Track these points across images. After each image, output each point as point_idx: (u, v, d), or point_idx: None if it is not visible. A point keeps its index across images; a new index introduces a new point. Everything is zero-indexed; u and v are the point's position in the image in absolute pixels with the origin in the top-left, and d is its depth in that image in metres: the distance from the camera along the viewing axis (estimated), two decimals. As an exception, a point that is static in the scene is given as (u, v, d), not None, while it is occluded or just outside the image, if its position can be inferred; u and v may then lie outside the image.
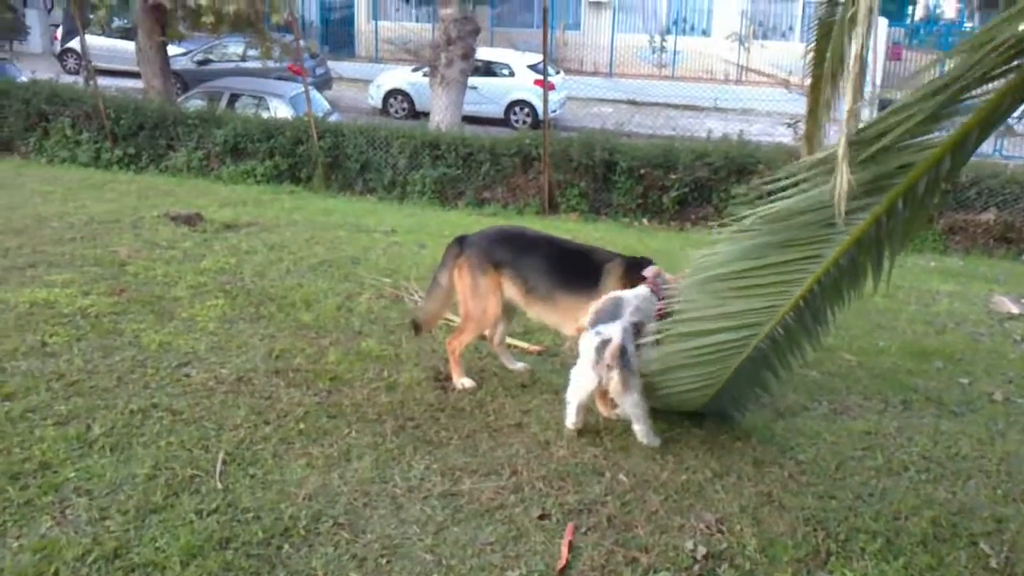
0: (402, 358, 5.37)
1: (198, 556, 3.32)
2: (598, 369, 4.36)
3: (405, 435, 4.41)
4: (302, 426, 4.42)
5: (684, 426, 4.74)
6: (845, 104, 2.89)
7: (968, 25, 33.75)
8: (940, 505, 4.14)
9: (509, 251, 5.14)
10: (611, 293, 4.67)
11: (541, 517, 3.78)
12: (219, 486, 3.82)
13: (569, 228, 11.80)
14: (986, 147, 21.20)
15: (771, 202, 3.63)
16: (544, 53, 13.99)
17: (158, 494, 3.71)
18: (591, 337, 4.41)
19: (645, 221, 13.36)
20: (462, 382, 5.06)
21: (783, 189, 3.60)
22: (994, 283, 9.76)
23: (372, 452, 4.21)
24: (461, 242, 5.25)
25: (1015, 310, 8.10)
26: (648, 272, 4.83)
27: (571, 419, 4.58)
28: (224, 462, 4.02)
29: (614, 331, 4.35)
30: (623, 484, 4.10)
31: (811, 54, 6.19)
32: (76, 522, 3.49)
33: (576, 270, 5.05)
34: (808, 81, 6.36)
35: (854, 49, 2.83)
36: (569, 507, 3.87)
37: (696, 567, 3.51)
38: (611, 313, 4.47)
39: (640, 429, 4.49)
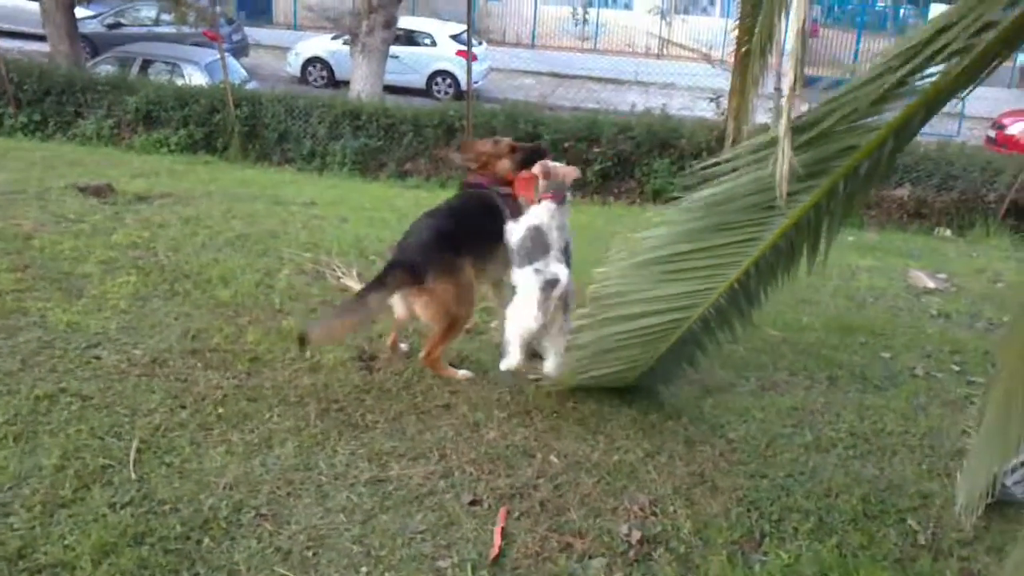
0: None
1: (111, 553, 3.13)
2: (544, 309, 4.35)
3: (329, 419, 4.26)
4: (221, 411, 4.23)
5: (614, 404, 4.68)
6: (784, 84, 2.80)
7: (881, 4, 34.47)
8: (868, 482, 4.16)
9: (466, 239, 4.83)
10: (526, 221, 4.62)
11: (472, 503, 3.67)
12: (133, 476, 3.62)
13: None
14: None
15: (709, 185, 3.56)
16: (468, 24, 13.82)
17: (67, 487, 3.49)
18: (530, 274, 4.44)
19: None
20: (463, 373, 4.90)
21: (723, 173, 3.53)
22: (909, 258, 9.95)
23: (295, 437, 4.05)
24: (406, 266, 4.70)
25: (931, 284, 8.26)
26: (536, 170, 4.70)
27: (516, 357, 4.55)
28: (138, 450, 3.81)
29: (560, 271, 4.42)
30: (555, 466, 4.01)
31: (737, 30, 6.17)
32: (-24, 520, 3.27)
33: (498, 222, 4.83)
34: (732, 57, 6.34)
35: (794, 27, 2.75)
36: (501, 492, 3.77)
37: (631, 552, 3.45)
38: (539, 244, 4.51)
39: (557, 364, 4.54)
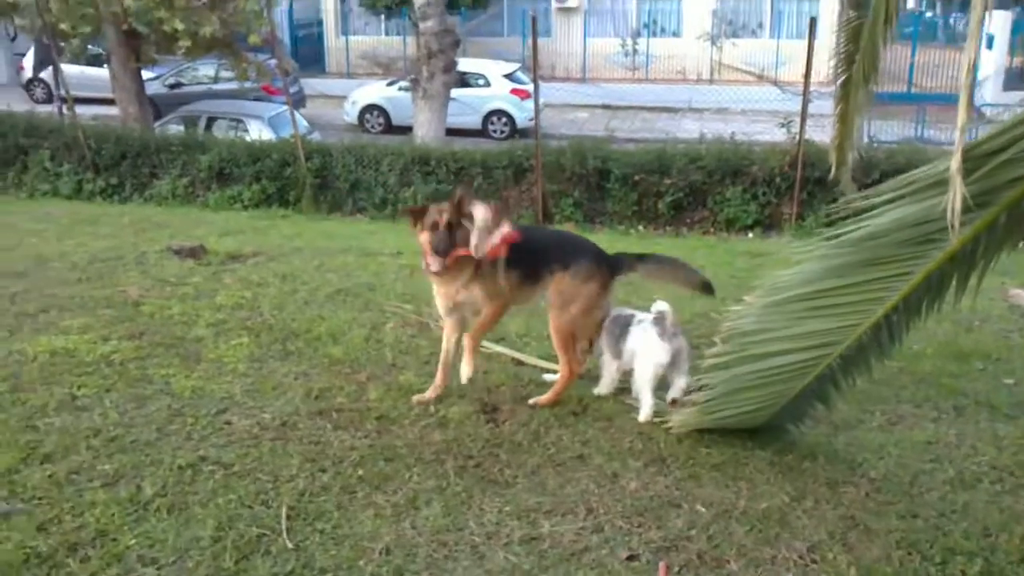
0: (445, 391, 5.18)
1: (285, 626, 3.14)
2: (666, 340, 4.81)
3: (468, 476, 4.24)
4: (360, 472, 4.24)
5: (747, 447, 4.61)
6: (958, 119, 2.75)
7: (928, 14, 34.10)
8: (1025, 519, 4.03)
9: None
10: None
11: (630, 558, 3.62)
12: (289, 545, 3.63)
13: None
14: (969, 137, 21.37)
15: (859, 219, 3.51)
16: (535, 63, 13.87)
17: (227, 558, 3.52)
18: (625, 316, 5.10)
19: (641, 228, 13.27)
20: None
21: (873, 207, 3.47)
22: (1004, 276, 9.71)
23: (439, 497, 4.04)
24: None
25: (1035, 303, 8.05)
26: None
27: (648, 407, 4.90)
28: (288, 517, 3.83)
29: (660, 304, 4.91)
30: (703, 515, 3.95)
31: (838, 56, 6.10)
32: (148, 596, 3.29)
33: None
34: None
35: (965, 61, 2.70)
36: (655, 544, 3.72)
37: (800, 604, 3.38)
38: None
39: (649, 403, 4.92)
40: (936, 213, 3.06)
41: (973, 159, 2.95)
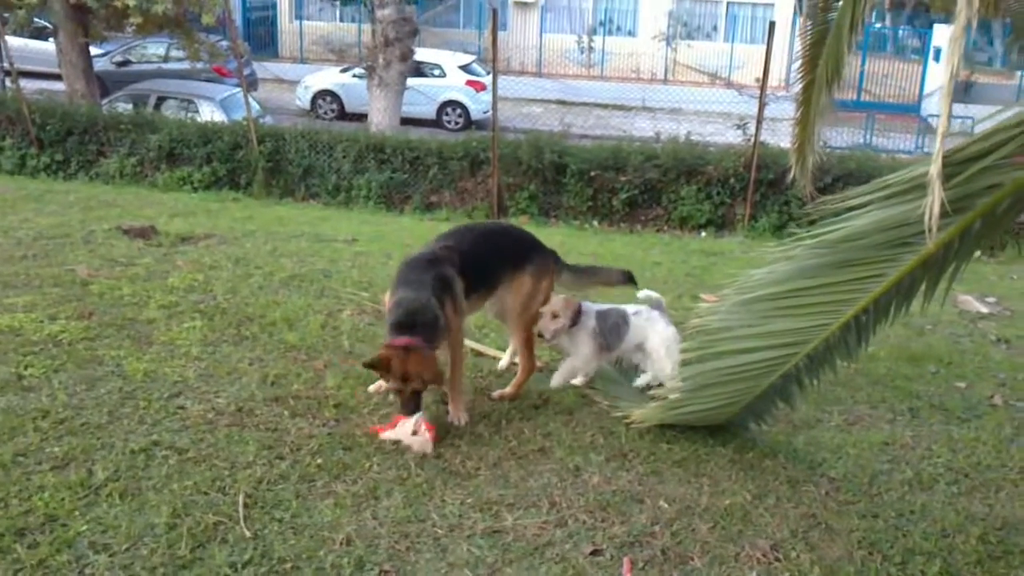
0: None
1: (244, 617, 3.05)
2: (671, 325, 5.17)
3: (429, 467, 4.17)
4: (319, 461, 4.14)
5: (708, 444, 4.61)
6: (939, 124, 2.75)
7: (877, 25, 34.69)
8: (982, 520, 4.07)
9: None
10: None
11: (593, 553, 3.58)
12: (247, 533, 3.53)
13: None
14: (907, 144, 21.78)
15: (835, 221, 3.51)
16: (494, 55, 13.75)
17: (183, 546, 3.40)
18: (614, 312, 5.16)
19: (596, 223, 13.29)
20: None
21: (849, 209, 3.48)
22: (953, 282, 9.88)
23: (400, 487, 3.96)
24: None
25: (983, 309, 8.21)
26: None
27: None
28: (246, 505, 3.72)
29: (648, 292, 5.33)
30: (666, 511, 3.92)
31: (801, 60, 6.13)
32: (101, 583, 3.18)
33: None
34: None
35: (948, 69, 2.70)
36: (619, 540, 3.68)
37: (765, 601, 3.37)
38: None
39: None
40: (913, 217, 3.07)
41: (952, 165, 2.96)
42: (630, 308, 5.17)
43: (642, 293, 5.30)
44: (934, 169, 2.74)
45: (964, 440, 4.98)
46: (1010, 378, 6.06)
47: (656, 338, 5.03)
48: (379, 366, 4.34)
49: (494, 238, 5.27)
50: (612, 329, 5.06)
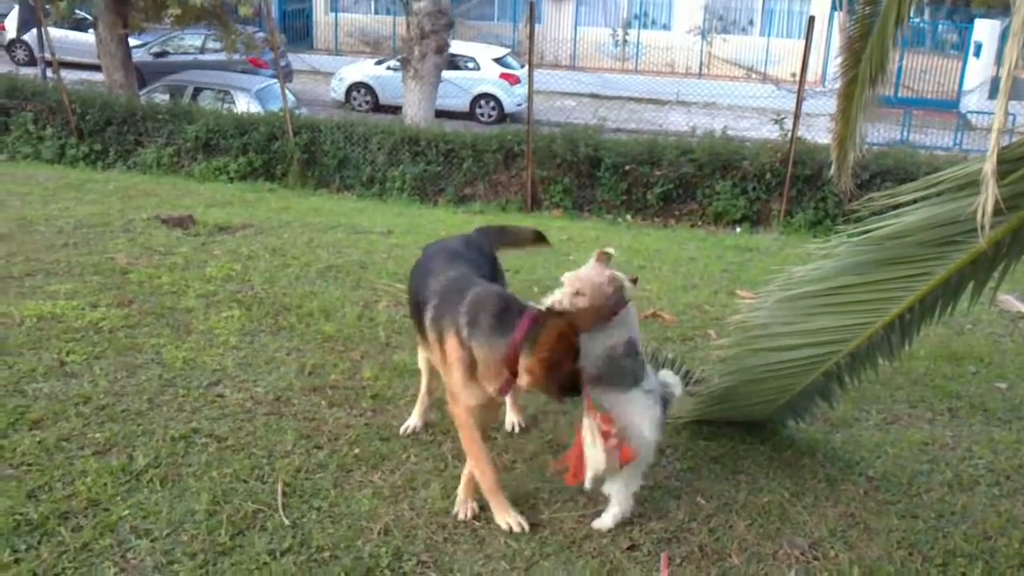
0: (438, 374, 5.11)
1: (283, 604, 3.06)
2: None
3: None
4: (357, 451, 4.17)
5: (746, 442, 4.58)
6: (995, 119, 2.70)
7: (916, 19, 34.20)
8: (1024, 523, 4.03)
9: None
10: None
11: (630, 548, 3.57)
12: (286, 522, 3.56)
13: (555, 225, 11.63)
14: (945, 140, 21.50)
15: (882, 218, 3.47)
16: (530, 48, 13.74)
17: (223, 533, 3.43)
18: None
19: (629, 217, 13.24)
20: None
21: (897, 206, 3.44)
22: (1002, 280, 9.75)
23: (438, 479, 3.97)
24: None
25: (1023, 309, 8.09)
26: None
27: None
28: (284, 494, 3.75)
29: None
30: (704, 508, 3.91)
31: (844, 54, 6.05)
32: (142, 568, 3.20)
33: None
34: (838, 83, 6.21)
35: (1007, 63, 2.66)
36: (656, 536, 3.67)
37: (804, 600, 3.35)
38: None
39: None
40: (964, 215, 3.03)
41: (1006, 162, 2.91)
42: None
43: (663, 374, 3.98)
44: (988, 166, 2.69)
45: (1006, 442, 4.91)
46: (1052, 380, 5.97)
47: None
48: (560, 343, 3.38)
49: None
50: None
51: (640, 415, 3.62)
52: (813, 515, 3.94)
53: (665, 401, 3.77)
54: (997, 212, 2.91)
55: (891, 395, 5.46)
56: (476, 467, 3.70)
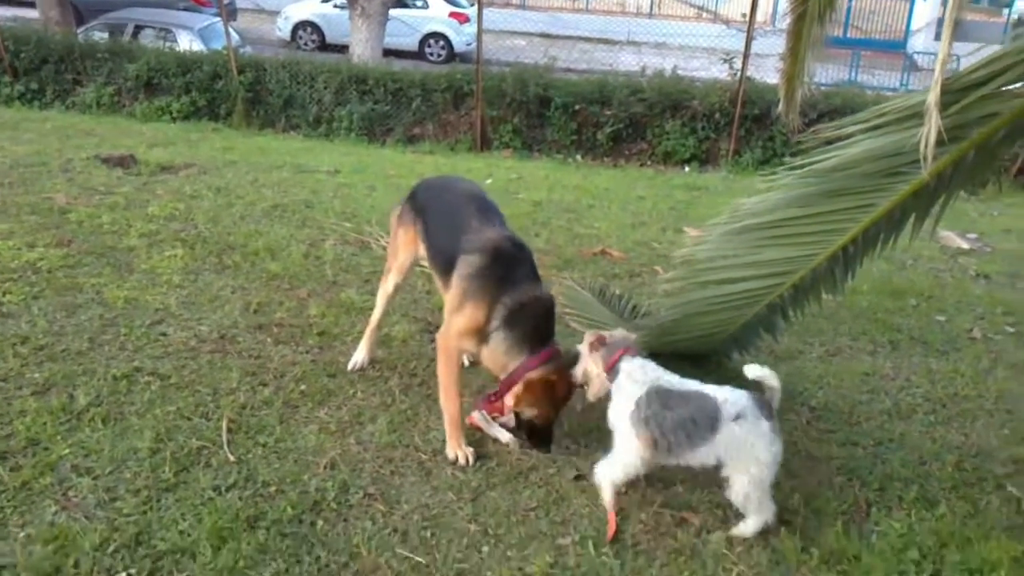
0: (389, 310, 5.07)
1: (228, 539, 3.05)
2: None
3: (413, 393, 4.18)
4: (303, 387, 4.15)
5: (690, 374, 4.56)
6: (939, 52, 2.71)
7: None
8: (958, 448, 4.13)
9: None
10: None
11: (577, 478, 3.61)
12: (231, 458, 3.54)
13: (505, 165, 11.57)
14: (892, 81, 21.66)
15: (827, 150, 3.48)
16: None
17: (167, 470, 3.41)
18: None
19: (579, 157, 13.18)
20: None
21: (842, 138, 3.45)
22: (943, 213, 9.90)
23: (385, 414, 3.97)
24: None
25: (964, 245, 8.23)
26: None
27: None
28: (229, 430, 3.73)
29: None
30: (650, 439, 3.94)
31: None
32: (84, 506, 3.17)
33: None
34: (788, 20, 6.17)
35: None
36: (602, 466, 3.71)
37: (746, 526, 3.40)
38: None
39: None
40: (907, 146, 3.06)
41: (949, 93, 2.92)
42: (723, 395, 3.33)
43: (752, 369, 3.39)
44: (932, 97, 2.70)
45: (943, 372, 5.02)
46: (988, 312, 6.10)
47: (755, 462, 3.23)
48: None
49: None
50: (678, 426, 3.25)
51: (743, 449, 3.20)
52: (756, 444, 3.99)
53: (768, 405, 3.29)
54: (940, 143, 2.94)
55: (834, 328, 5.54)
56: (444, 395, 3.78)
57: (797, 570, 3.16)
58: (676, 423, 3.22)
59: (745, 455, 3.20)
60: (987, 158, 3.18)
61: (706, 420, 3.20)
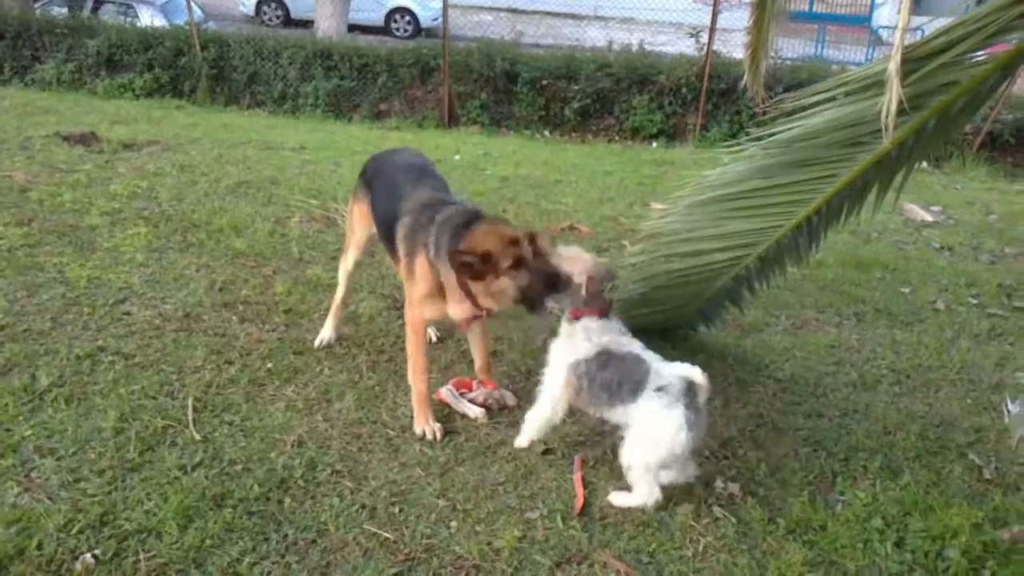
0: (354, 287, 5.04)
1: (195, 518, 3.03)
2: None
3: (381, 370, 4.16)
4: (269, 365, 4.12)
5: (658, 346, 4.56)
6: (898, 21, 2.72)
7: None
8: (921, 418, 4.18)
9: None
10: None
11: (545, 452, 3.62)
12: (197, 436, 3.51)
13: (472, 141, 11.52)
14: (857, 56, 21.76)
15: (790, 121, 3.49)
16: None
17: (131, 449, 3.37)
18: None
19: (547, 133, 13.15)
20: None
21: (805, 108, 3.45)
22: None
23: (352, 391, 3.95)
24: None
25: (928, 218, 8.31)
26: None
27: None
28: (195, 409, 3.69)
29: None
30: (617, 412, 3.96)
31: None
32: (47, 487, 3.13)
33: None
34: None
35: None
36: (570, 440, 3.73)
37: (712, 498, 3.42)
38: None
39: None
40: (869, 115, 3.06)
41: (910, 62, 2.93)
42: (657, 366, 3.33)
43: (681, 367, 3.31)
44: (893, 65, 2.71)
45: (907, 343, 5.07)
46: (952, 284, 6.17)
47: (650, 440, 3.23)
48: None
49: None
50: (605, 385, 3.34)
51: (657, 419, 3.19)
52: (723, 417, 4.03)
53: (691, 392, 3.21)
54: (901, 112, 2.95)
55: (800, 301, 5.58)
56: (412, 372, 3.75)
57: (764, 540, 3.18)
58: (604, 383, 3.31)
59: (645, 428, 3.23)
60: (947, 127, 3.19)
61: (631, 384, 3.26)
